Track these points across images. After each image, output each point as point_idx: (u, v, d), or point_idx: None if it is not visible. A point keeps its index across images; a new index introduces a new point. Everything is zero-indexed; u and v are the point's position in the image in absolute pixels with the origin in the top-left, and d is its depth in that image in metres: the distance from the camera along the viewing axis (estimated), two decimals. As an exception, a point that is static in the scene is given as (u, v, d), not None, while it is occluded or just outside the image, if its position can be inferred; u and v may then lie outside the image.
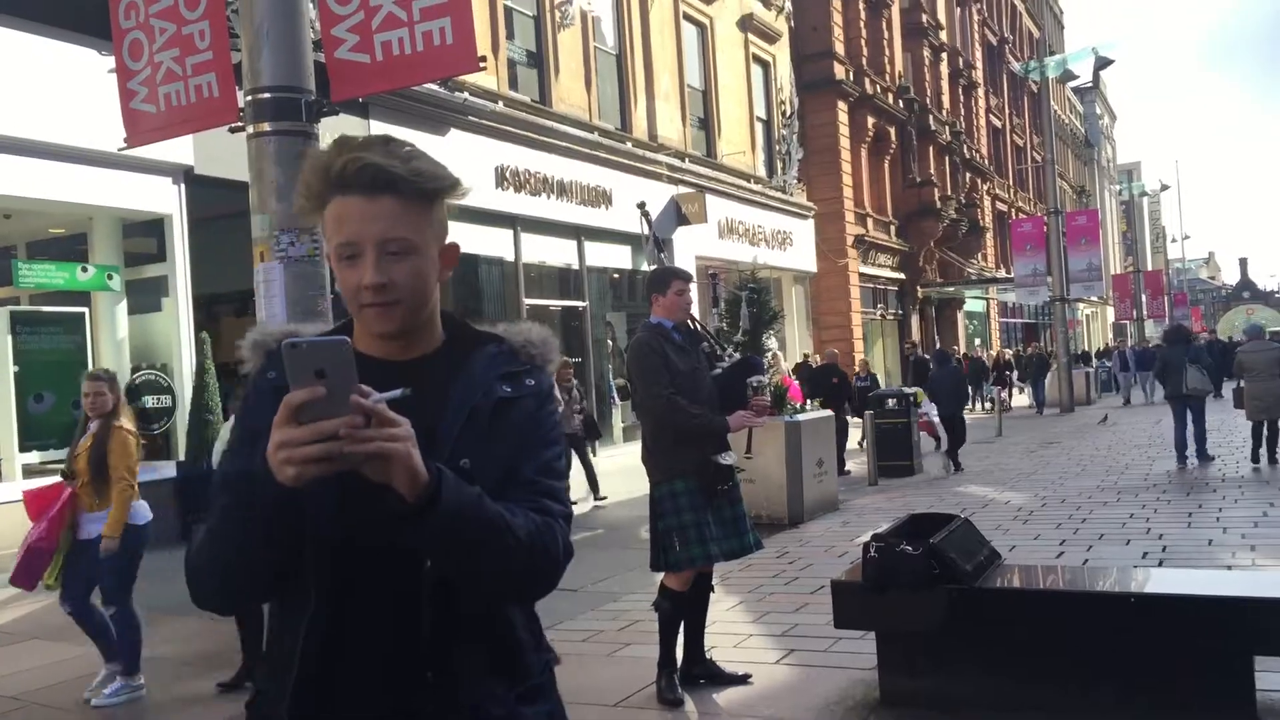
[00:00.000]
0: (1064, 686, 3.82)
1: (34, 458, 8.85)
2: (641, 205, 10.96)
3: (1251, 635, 3.60)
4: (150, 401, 9.56)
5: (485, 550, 1.32)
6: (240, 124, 4.63)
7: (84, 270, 9.16)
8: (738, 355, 4.60)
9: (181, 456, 9.30)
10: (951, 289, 32.48)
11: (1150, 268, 60.12)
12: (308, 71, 4.65)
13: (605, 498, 11.29)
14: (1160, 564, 6.68)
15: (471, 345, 1.52)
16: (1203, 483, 10.50)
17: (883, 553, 3.92)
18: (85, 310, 9.26)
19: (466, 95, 13.00)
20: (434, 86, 12.40)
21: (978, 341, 36.56)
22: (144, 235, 9.87)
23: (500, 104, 13.80)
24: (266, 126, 4.54)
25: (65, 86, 8.20)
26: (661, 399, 4.40)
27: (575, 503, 9.87)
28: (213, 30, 4.80)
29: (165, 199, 9.50)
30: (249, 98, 4.58)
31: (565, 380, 11.07)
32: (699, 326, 4.78)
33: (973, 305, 36.94)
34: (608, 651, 5.46)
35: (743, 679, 4.71)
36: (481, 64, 4.53)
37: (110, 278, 9.37)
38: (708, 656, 4.81)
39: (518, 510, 1.38)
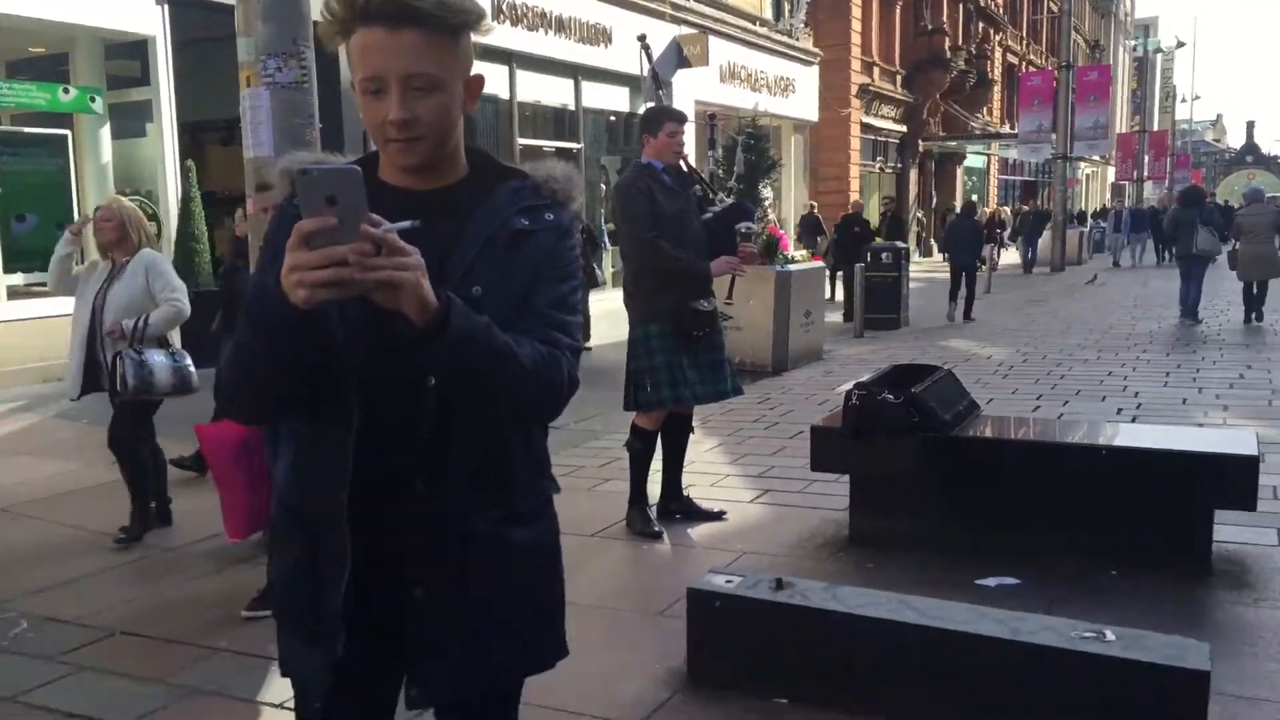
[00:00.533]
0: (1031, 533, 3.98)
1: (19, 279, 8.82)
2: (642, 38, 10.55)
3: (1213, 489, 3.74)
4: (137, 229, 9.47)
5: (490, 378, 1.37)
6: (226, -61, 4.43)
7: (66, 91, 8.90)
8: (730, 200, 4.51)
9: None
10: (954, 144, 31.90)
11: (1157, 128, 59.03)
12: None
13: (589, 347, 11.21)
14: (1134, 420, 6.85)
15: (494, 179, 1.54)
16: (1184, 343, 10.64)
17: (864, 400, 4.00)
18: (68, 133, 9.06)
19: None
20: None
21: (974, 198, 36.16)
22: (127, 57, 9.55)
23: (496, -71, 13.14)
24: (250, -58, 4.35)
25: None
26: (643, 241, 4.38)
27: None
28: None
29: (148, 19, 9.15)
30: (231, -91, 4.37)
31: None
32: (692, 170, 4.70)
33: (973, 161, 36.36)
34: (588, 486, 5.63)
35: (718, 515, 4.88)
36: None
37: (93, 100, 9.12)
38: (685, 494, 4.97)
39: (525, 341, 1.42)
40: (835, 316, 13.29)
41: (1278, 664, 3.16)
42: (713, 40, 17.50)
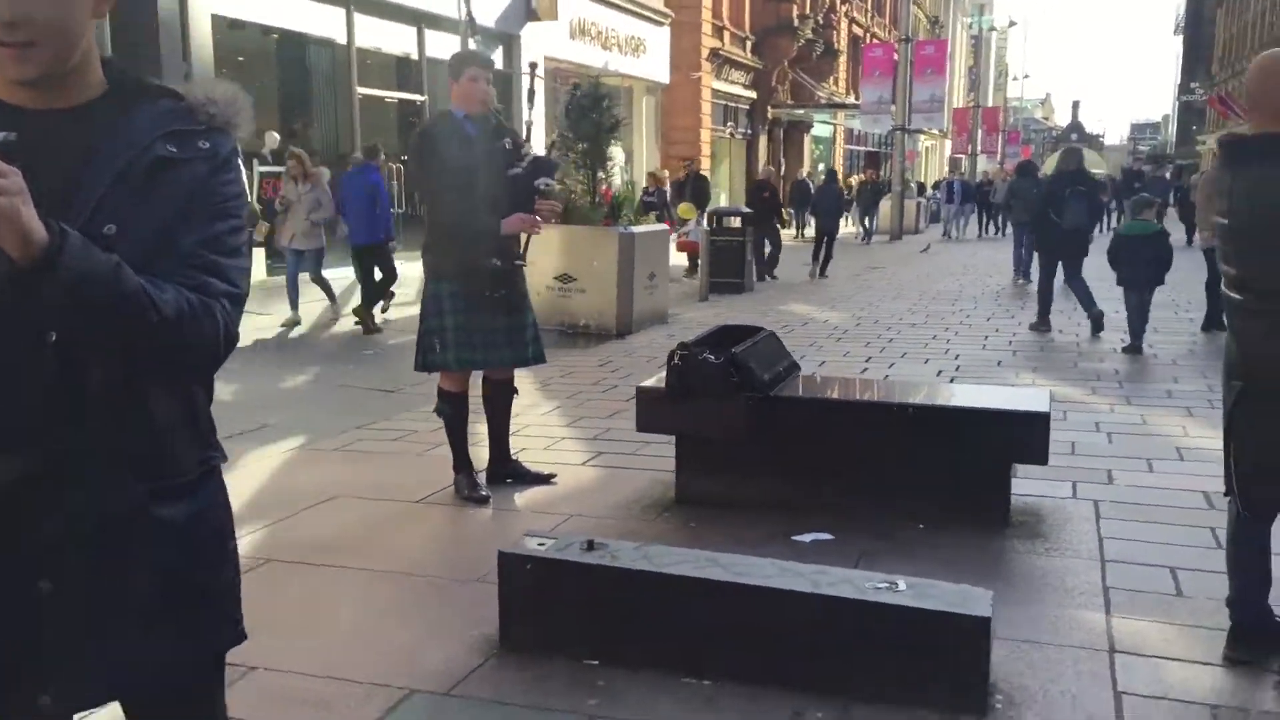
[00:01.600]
0: (846, 491, 4.09)
1: None
2: None
3: (1008, 445, 3.92)
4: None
5: (120, 328, 1.20)
6: None
7: None
8: (534, 155, 4.38)
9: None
10: (801, 111, 32.59)
11: (991, 104, 61.97)
12: None
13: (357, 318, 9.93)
14: (951, 381, 7.17)
15: (137, 98, 1.34)
16: (1003, 308, 11.22)
17: (686, 360, 4.01)
18: None
19: None
20: None
21: (821, 166, 37.16)
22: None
23: None
24: None
25: None
26: (434, 193, 4.21)
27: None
28: None
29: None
30: None
31: (305, 175, 9.81)
32: (498, 120, 4.53)
33: (820, 130, 37.27)
34: (419, 451, 5.48)
35: (547, 478, 4.81)
36: None
37: None
38: (514, 457, 4.89)
39: (168, 286, 1.24)
40: (681, 281, 13.42)
41: (1060, 609, 3.34)
42: (562, -6, 17.22)
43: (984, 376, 7.35)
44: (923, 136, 46.39)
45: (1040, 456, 3.87)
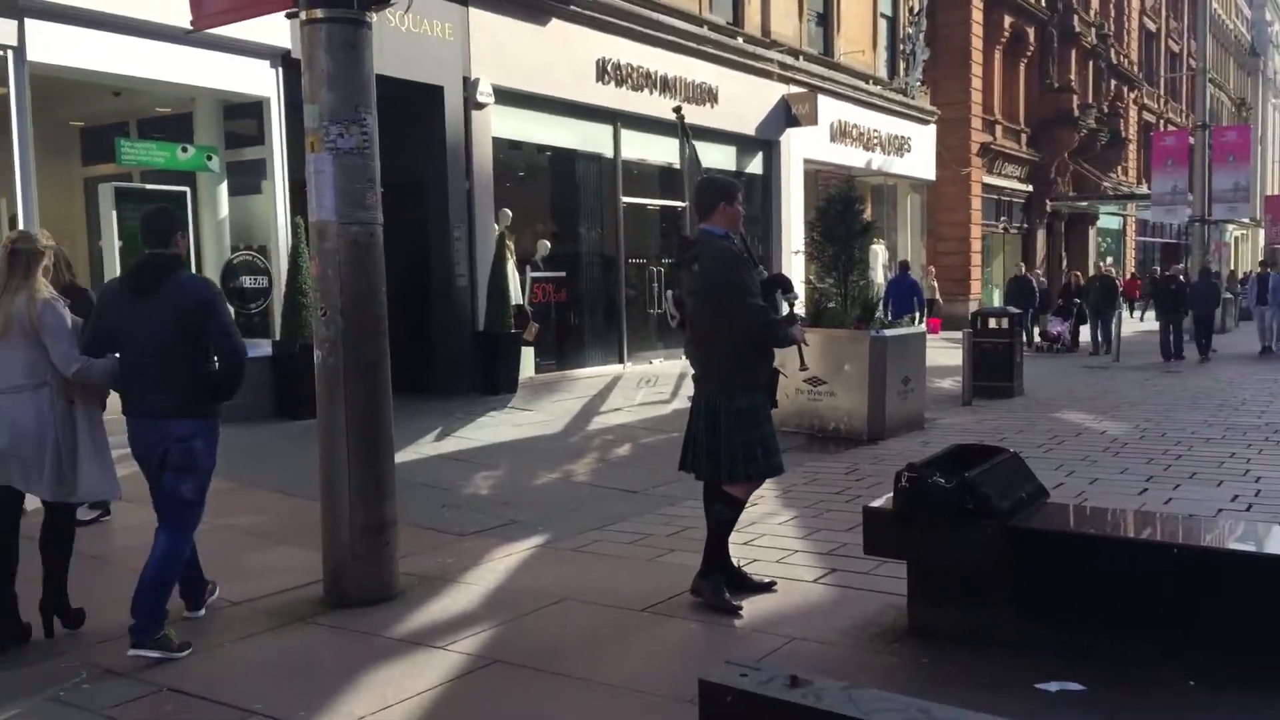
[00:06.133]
0: (1094, 637, 3.64)
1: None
2: (678, 110, 10.67)
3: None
4: (248, 281, 9.90)
5: None
6: (295, 9, 4.59)
7: (184, 150, 9.42)
8: (764, 273, 4.59)
9: (278, 335, 9.65)
10: (1084, 204, 30.74)
11: (1312, 188, 55.65)
12: (364, -43, 4.56)
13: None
14: (1248, 509, 6.30)
15: None
16: (1324, 424, 9.80)
17: (914, 483, 3.77)
18: (187, 190, 9.56)
19: (570, -16, 12.67)
20: (537, -27, 12.14)
21: (1109, 260, 34.75)
22: (244, 118, 10.07)
23: (606, -7, 13.42)
24: (319, 13, 4.51)
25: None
26: (759, 308, 4.42)
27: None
28: (275, -89, 4.73)
29: (264, 82, 9.64)
30: (302, -18, 4.53)
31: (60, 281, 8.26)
32: (745, 240, 4.70)
33: (1107, 222, 34.96)
34: (650, 556, 5.49)
35: (768, 586, 4.74)
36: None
37: (209, 159, 9.62)
38: (736, 566, 4.80)
39: None
40: (945, 382, 12.84)
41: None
42: (822, 99, 17.38)
43: (1288, 505, 6.40)
44: (1231, 226, 42.34)
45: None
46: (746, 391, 4.48)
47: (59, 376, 4.08)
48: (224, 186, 10.00)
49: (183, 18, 5.38)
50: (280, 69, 9.66)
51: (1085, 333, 19.18)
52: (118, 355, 4.17)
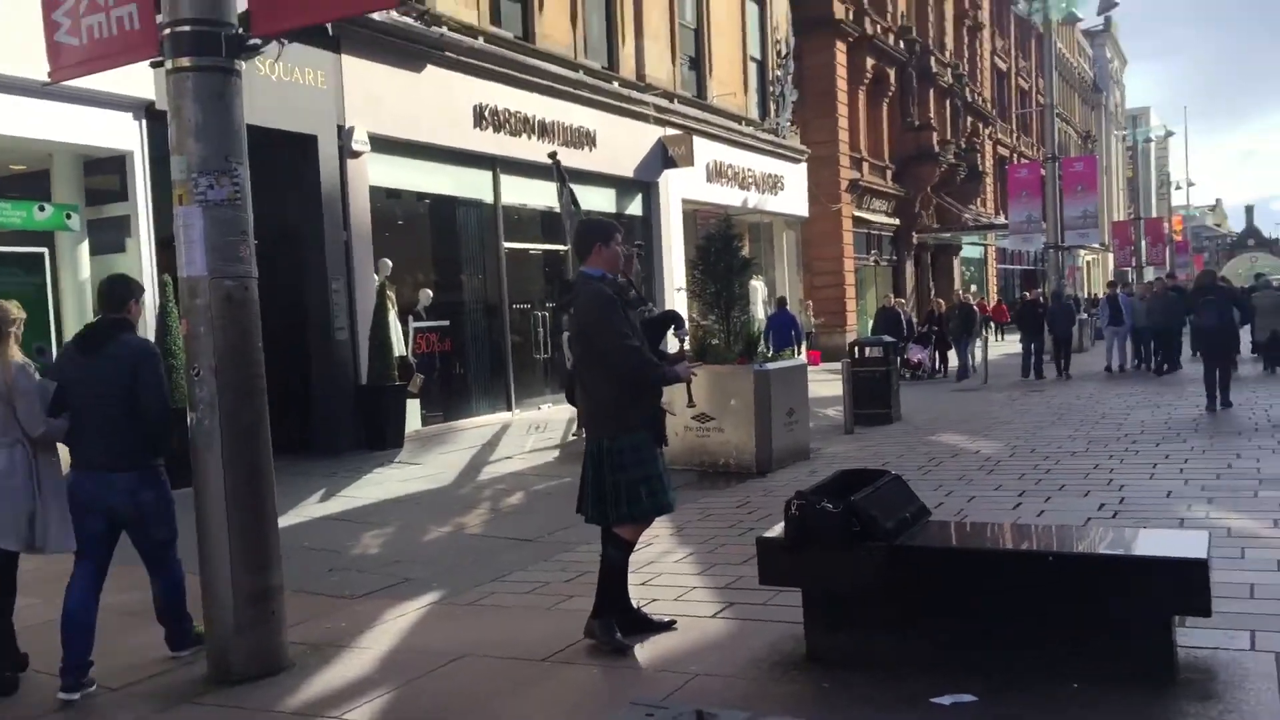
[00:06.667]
0: (982, 647, 3.77)
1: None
2: (553, 155, 10.86)
3: (1165, 595, 3.54)
4: (114, 344, 9.46)
5: None
6: (160, 59, 4.47)
7: (41, 209, 8.98)
8: (655, 309, 4.60)
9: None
10: (948, 235, 32.19)
11: (1155, 214, 59.60)
12: (229, 4, 4.48)
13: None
14: (1114, 516, 6.64)
15: None
16: (1174, 433, 10.43)
17: (803, 510, 3.85)
18: (45, 250, 9.12)
19: (444, 30, 12.68)
20: (410, 20, 12.11)
21: (973, 288, 36.37)
22: (106, 173, 9.68)
23: (480, 39, 13.47)
24: (185, 62, 4.39)
25: (23, 19, 7.97)
26: (631, 350, 4.39)
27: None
28: (133, -40, 4.60)
29: (126, 135, 9.31)
30: (167, 31, 4.43)
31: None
32: (629, 279, 4.72)
33: (970, 251, 36.66)
34: (549, 605, 5.44)
35: (669, 625, 4.74)
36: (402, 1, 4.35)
37: (69, 217, 9.20)
38: (636, 607, 4.79)
39: None
40: (828, 411, 13.18)
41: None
42: (698, 140, 17.79)
43: (1153, 512, 6.77)
44: (1083, 252, 44.88)
45: (1202, 608, 3.47)
46: (628, 432, 4.48)
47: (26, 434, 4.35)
48: (85, 245, 9.57)
49: (39, 69, 5.15)
50: (144, 120, 9.35)
51: (953, 358, 19.77)
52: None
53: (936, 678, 3.79)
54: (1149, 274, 43.91)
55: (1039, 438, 10.59)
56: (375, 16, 11.01)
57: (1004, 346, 26.59)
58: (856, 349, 13.39)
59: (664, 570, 5.97)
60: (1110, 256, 50.83)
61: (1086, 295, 42.59)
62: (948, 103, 33.30)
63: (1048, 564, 3.64)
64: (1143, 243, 42.61)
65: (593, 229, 4.74)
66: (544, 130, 14.49)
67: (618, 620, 4.62)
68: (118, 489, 4.39)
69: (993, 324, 34.13)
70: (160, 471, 4.54)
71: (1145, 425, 11.10)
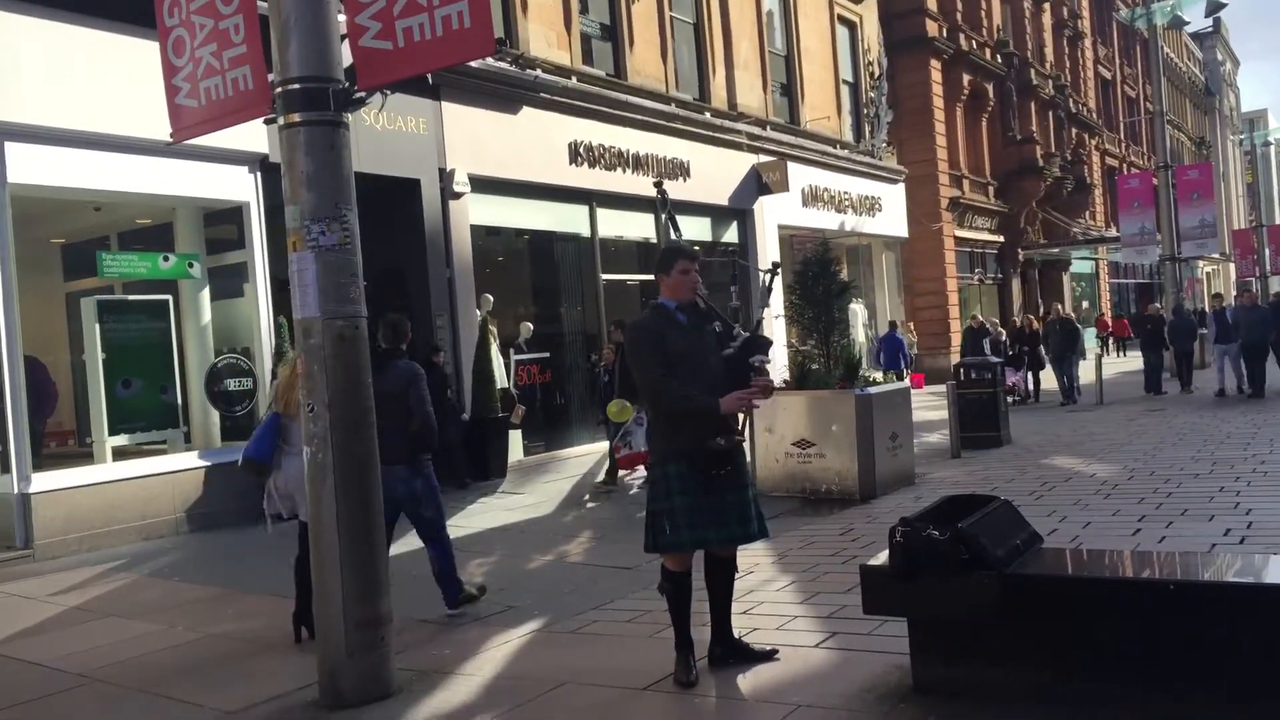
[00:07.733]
0: (1103, 679, 3.63)
1: (123, 440, 9.28)
2: (659, 184, 10.88)
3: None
4: (233, 384, 9.92)
5: None
6: (273, 115, 4.72)
7: (165, 260, 9.52)
8: (745, 334, 4.48)
9: (263, 436, 9.62)
10: (1055, 250, 31.24)
11: (1278, 220, 56.70)
12: (335, 61, 4.71)
13: None
14: (1242, 542, 6.32)
15: None
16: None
17: (909, 537, 3.79)
18: (169, 297, 9.64)
19: (538, 73, 12.99)
20: (505, 65, 12.44)
21: (1085, 304, 35.21)
22: (224, 223, 10.21)
23: (574, 79, 13.75)
24: (296, 117, 4.62)
25: (147, 83, 8.50)
26: (651, 381, 4.38)
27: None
28: (246, 24, 4.87)
29: (242, 187, 9.80)
30: (279, 89, 4.66)
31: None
32: (710, 306, 4.68)
33: (1080, 266, 35.50)
34: (650, 633, 5.45)
35: (769, 655, 4.68)
36: (499, 46, 4.51)
37: (191, 265, 9.73)
38: (737, 637, 4.76)
39: None
40: (932, 436, 12.89)
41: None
42: (792, 165, 17.75)
43: (1281, 535, 6.43)
44: (1201, 263, 42.99)
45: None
46: (660, 462, 4.48)
47: None
48: (206, 292, 10.09)
49: (162, 131, 5.49)
50: (259, 173, 9.83)
51: (1051, 379, 18.13)
52: None
53: (1054, 711, 3.67)
54: (1275, 284, 41.81)
55: (1159, 460, 10.16)
56: (472, 64, 11.33)
57: (1119, 364, 25.62)
58: (961, 370, 13.09)
59: (765, 599, 5.92)
60: (1232, 266, 48.50)
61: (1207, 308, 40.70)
62: (1050, 115, 32.45)
63: (1169, 592, 3.49)
64: (1266, 251, 40.46)
65: (657, 262, 4.73)
66: (638, 163, 14.68)
67: (722, 650, 4.60)
68: (398, 477, 5.52)
69: (1112, 340, 32.99)
70: (426, 465, 5.82)
71: (1276, 445, 10.53)
